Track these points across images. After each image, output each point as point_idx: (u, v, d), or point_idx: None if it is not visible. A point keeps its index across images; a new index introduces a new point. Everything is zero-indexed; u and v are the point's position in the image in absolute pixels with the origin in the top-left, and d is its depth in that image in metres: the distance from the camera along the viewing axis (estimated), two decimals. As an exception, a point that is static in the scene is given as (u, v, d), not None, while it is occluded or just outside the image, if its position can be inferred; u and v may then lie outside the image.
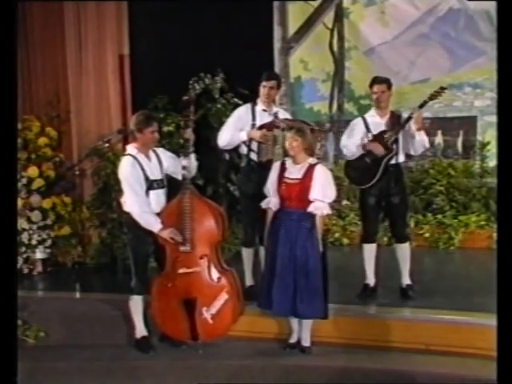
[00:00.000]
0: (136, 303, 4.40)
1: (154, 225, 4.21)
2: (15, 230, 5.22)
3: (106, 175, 5.88)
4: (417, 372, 3.95)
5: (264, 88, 4.70)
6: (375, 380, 3.95)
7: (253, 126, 4.71)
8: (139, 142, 4.29)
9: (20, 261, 5.82)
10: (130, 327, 4.52)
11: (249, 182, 4.75)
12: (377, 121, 4.73)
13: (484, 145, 7.25)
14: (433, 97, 4.65)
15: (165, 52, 6.85)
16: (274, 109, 4.80)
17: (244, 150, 4.77)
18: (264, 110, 4.74)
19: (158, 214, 4.27)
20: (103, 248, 6.07)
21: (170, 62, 6.68)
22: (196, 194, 4.37)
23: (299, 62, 8.07)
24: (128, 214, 4.27)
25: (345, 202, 7.11)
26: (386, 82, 4.71)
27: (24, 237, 5.82)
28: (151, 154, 4.36)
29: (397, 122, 4.68)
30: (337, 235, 6.84)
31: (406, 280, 4.82)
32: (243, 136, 4.68)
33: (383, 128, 4.68)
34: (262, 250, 4.60)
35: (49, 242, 5.96)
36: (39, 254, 5.95)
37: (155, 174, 4.31)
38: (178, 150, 4.48)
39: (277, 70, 7.50)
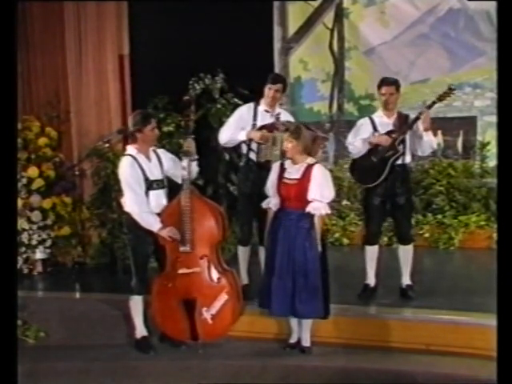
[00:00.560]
0: (136, 303, 4.40)
1: (153, 224, 4.21)
2: (15, 230, 5.23)
3: (106, 175, 5.87)
4: (417, 372, 3.95)
5: (269, 90, 4.67)
6: (375, 380, 3.94)
7: (253, 126, 4.70)
8: (140, 142, 4.28)
9: (20, 261, 5.80)
10: (130, 327, 4.52)
11: (247, 181, 4.76)
12: (384, 121, 4.69)
13: (484, 145, 7.26)
14: (442, 97, 4.58)
15: (165, 52, 6.83)
16: (277, 110, 4.78)
17: (244, 149, 4.77)
18: (266, 111, 4.73)
19: (158, 215, 4.26)
20: (103, 248, 6.06)
21: (170, 62, 6.66)
22: (196, 194, 4.37)
23: (299, 62, 8.08)
24: (128, 214, 4.27)
25: (345, 202, 7.11)
26: (395, 84, 4.65)
27: (24, 237, 5.80)
28: (151, 154, 4.36)
29: (404, 122, 4.64)
30: (337, 235, 6.83)
31: (406, 280, 4.81)
32: (242, 136, 4.69)
33: (391, 128, 4.65)
34: (262, 250, 4.61)
35: (49, 242, 5.95)
36: (39, 254, 5.94)
37: (155, 175, 4.30)
38: (178, 151, 4.48)
39: (277, 70, 7.53)
